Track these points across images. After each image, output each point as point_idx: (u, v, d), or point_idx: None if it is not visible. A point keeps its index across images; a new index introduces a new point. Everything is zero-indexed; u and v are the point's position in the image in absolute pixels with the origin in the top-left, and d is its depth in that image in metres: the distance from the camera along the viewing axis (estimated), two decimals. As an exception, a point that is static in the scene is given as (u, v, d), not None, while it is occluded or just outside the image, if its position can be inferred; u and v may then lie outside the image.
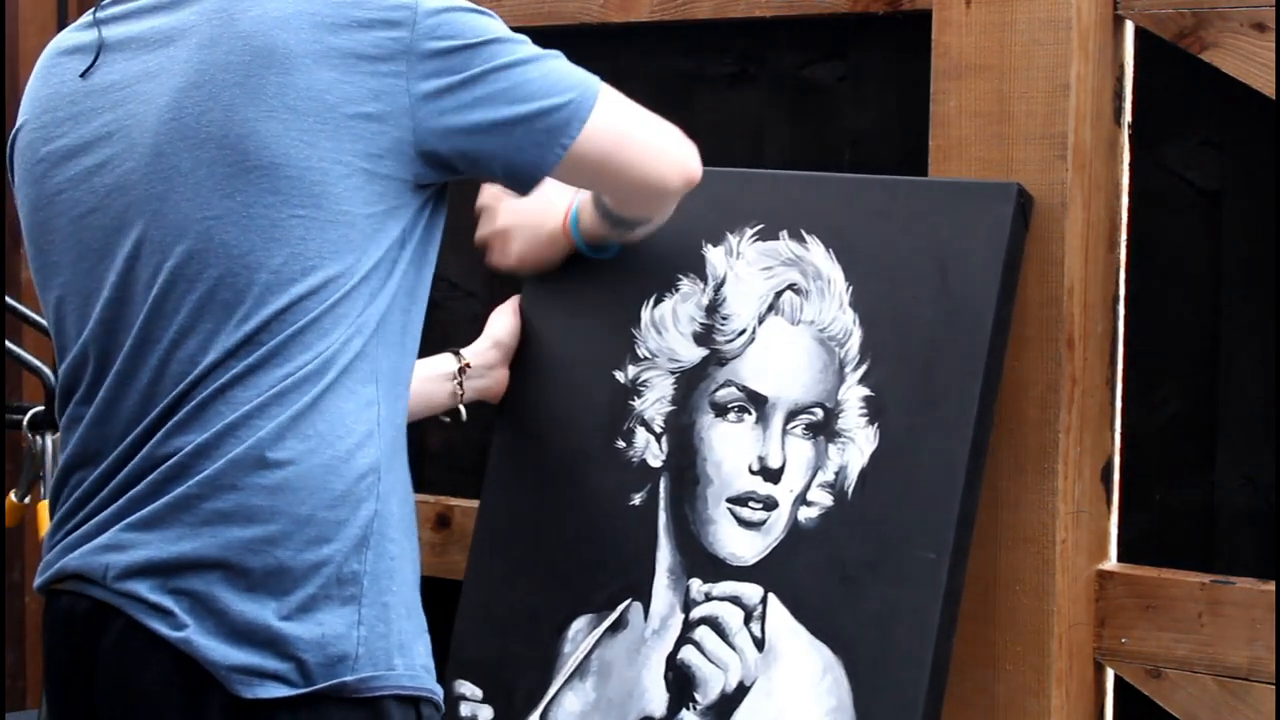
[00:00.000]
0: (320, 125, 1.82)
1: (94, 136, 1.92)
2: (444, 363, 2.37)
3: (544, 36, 2.73)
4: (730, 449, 2.28)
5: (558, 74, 1.95)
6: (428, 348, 2.11)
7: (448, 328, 2.76)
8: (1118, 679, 2.36)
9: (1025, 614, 2.28)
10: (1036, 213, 2.24)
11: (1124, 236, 2.36)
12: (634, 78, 2.70)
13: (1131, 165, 2.35)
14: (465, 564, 2.50)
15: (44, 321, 2.85)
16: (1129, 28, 2.33)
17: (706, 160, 2.61)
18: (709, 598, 2.26)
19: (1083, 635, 2.33)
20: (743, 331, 2.31)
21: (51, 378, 2.66)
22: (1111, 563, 2.38)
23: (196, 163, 1.83)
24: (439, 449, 2.82)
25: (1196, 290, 2.33)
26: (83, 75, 1.94)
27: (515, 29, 2.69)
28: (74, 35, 2.00)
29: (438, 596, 2.77)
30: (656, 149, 2.06)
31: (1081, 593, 2.32)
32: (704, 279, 2.35)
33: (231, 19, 1.85)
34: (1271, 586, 2.24)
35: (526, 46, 1.95)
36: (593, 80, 1.97)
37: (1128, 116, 2.35)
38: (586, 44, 2.72)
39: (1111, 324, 2.36)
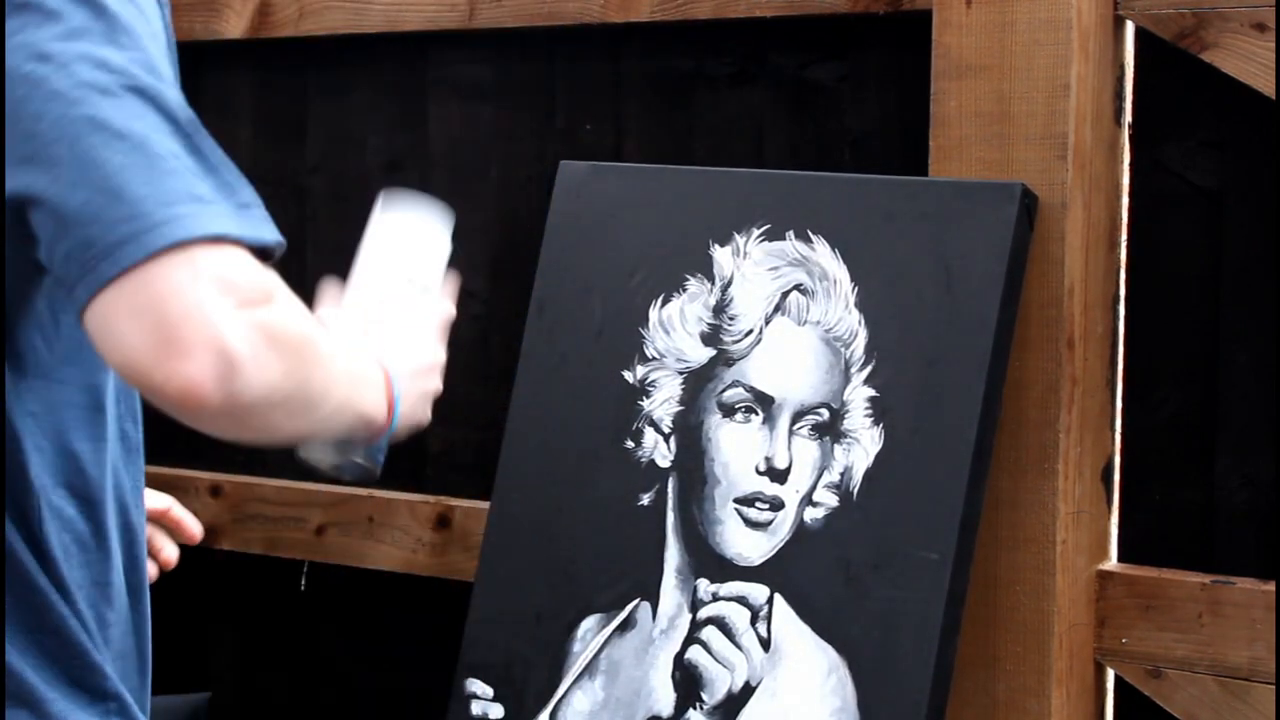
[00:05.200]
0: None
1: None
2: None
3: (544, 37, 2.75)
4: (737, 449, 2.28)
5: None
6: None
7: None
8: (1118, 679, 2.36)
9: (1025, 614, 2.28)
10: (1037, 213, 2.24)
11: (1124, 236, 2.36)
12: (634, 78, 2.70)
13: (1131, 165, 2.35)
14: (465, 563, 2.50)
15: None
16: (1129, 28, 2.33)
17: (707, 160, 2.62)
18: (716, 598, 2.26)
19: (1083, 635, 2.33)
20: (750, 332, 2.30)
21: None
22: (1111, 563, 2.38)
23: None
24: (439, 450, 2.81)
25: (1196, 290, 2.33)
26: None
27: (516, 29, 2.71)
28: None
29: (439, 597, 2.78)
30: None
31: (1081, 593, 2.32)
32: (711, 279, 2.35)
33: None
34: (1271, 586, 2.24)
35: None
36: None
37: (1128, 116, 2.35)
38: (586, 44, 2.72)
39: (1111, 324, 2.35)
